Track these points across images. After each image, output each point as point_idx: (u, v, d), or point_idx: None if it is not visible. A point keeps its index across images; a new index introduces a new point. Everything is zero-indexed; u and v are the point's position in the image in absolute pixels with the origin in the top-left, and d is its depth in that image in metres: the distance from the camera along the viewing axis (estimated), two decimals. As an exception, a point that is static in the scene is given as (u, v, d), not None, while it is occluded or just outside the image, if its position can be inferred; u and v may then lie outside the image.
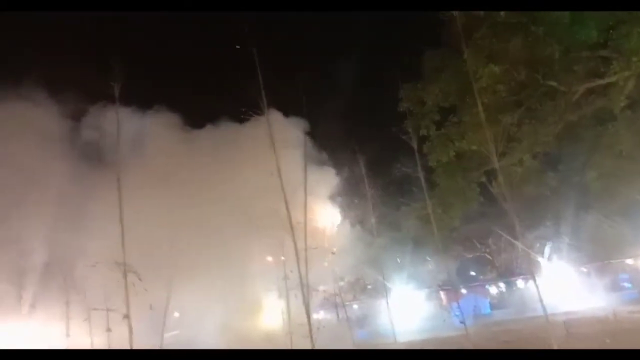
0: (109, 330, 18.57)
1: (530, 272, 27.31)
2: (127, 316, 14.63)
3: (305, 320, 17.00)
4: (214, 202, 21.93)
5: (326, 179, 24.97)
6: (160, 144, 22.04)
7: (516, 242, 26.97)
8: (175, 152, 22.57)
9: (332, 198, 25.54)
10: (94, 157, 20.53)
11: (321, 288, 23.40)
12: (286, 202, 16.09)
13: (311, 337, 16.63)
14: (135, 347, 14.48)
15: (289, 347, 20.09)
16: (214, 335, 20.63)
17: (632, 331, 16.19)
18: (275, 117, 20.31)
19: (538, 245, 30.60)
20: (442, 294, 32.96)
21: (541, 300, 16.98)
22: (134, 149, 20.10)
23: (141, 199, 17.67)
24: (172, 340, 20.62)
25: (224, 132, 23.94)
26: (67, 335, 18.91)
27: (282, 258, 20.49)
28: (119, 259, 14.97)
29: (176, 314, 22.62)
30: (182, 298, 20.49)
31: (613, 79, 16.06)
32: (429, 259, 28.11)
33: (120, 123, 16.42)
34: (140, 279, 15.36)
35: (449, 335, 23.16)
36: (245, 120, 18.20)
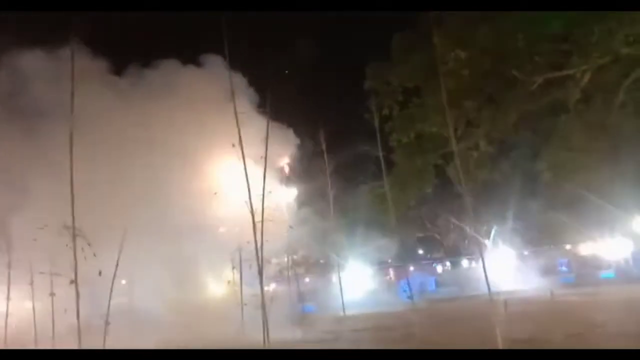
0: (52, 294, 17.98)
1: (475, 253, 28.55)
2: (74, 281, 14.13)
3: (258, 291, 17.05)
4: (165, 165, 21.00)
5: (285, 148, 24.56)
6: (102, 93, 20.20)
7: (464, 225, 28.00)
8: (116, 104, 20.80)
9: (289, 170, 25.40)
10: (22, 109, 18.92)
11: (274, 261, 23.46)
12: (246, 173, 15.83)
13: (263, 308, 16.72)
14: (81, 312, 14.11)
15: (239, 318, 20.19)
16: (160, 305, 20.32)
17: (565, 311, 17.28)
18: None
19: (485, 228, 31.83)
20: (391, 271, 33.88)
21: (487, 279, 17.80)
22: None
23: (90, 156, 16.71)
24: (117, 309, 20.02)
25: (171, 78, 22.14)
26: (8, 298, 18.13)
27: (237, 229, 20.38)
28: (67, 222, 14.39)
29: (123, 282, 21.99)
30: (131, 265, 19.87)
31: (571, 71, 16.67)
32: (381, 236, 28.66)
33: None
34: (89, 244, 14.85)
35: (396, 310, 23.97)
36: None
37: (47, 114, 17.79)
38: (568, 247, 31.31)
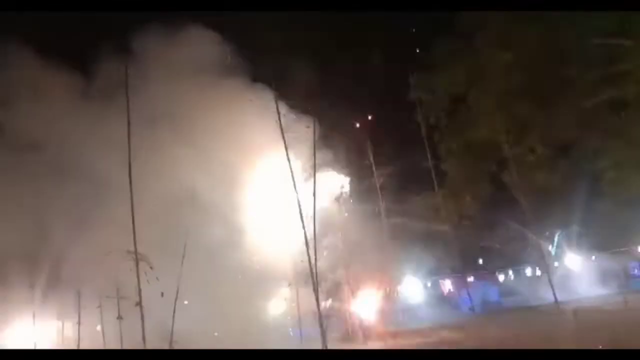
0: (120, 317, 18.72)
1: (539, 260, 27.27)
2: (139, 304, 14.71)
3: (314, 308, 17.15)
4: (213, 180, 21.35)
5: (333, 166, 24.53)
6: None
7: (526, 231, 26.89)
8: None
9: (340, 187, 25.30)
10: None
11: (330, 276, 23.42)
12: (297, 192, 16.06)
13: (321, 325, 16.74)
14: (147, 335, 14.62)
15: (298, 335, 20.24)
16: (220, 325, 20.61)
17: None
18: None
19: (547, 233, 30.41)
20: (450, 282, 32.95)
21: (552, 287, 17.09)
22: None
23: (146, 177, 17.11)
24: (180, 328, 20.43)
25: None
26: (79, 323, 19.02)
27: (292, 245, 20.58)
28: (129, 246, 15.01)
29: (185, 302, 22.54)
30: (191, 284, 20.31)
31: (628, 66, 15.77)
32: (437, 247, 28.03)
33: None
34: (151, 267, 15.42)
35: (457, 322, 23.25)
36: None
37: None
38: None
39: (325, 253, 21.80)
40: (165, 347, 16.98)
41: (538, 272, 31.12)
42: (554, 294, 16.18)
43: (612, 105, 17.47)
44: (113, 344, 19.52)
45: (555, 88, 17.02)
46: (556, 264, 29.84)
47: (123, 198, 15.37)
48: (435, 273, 31.92)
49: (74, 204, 18.98)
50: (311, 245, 16.91)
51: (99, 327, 21.72)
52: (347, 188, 24.61)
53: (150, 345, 14.62)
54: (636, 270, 29.48)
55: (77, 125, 19.37)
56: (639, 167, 18.09)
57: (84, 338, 19.84)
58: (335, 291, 25.02)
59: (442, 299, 32.18)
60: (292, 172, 16.31)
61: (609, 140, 18.50)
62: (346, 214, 25.35)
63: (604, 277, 27.89)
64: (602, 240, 29.21)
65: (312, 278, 16.98)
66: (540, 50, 16.15)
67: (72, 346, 19.71)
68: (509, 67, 16.07)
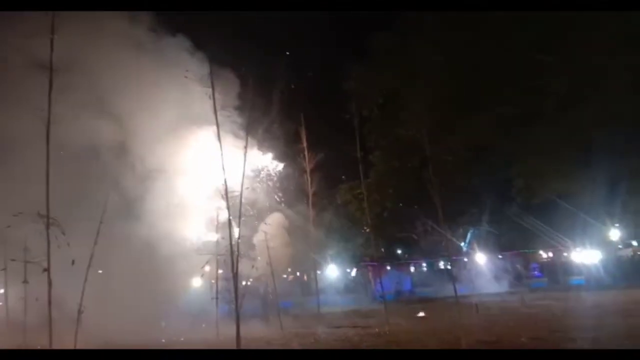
0: (25, 282, 17.91)
1: (451, 255, 28.97)
2: (46, 270, 14.13)
3: (231, 286, 17.25)
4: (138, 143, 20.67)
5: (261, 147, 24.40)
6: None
7: (440, 228, 28.38)
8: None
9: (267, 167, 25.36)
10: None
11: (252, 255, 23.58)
12: (223, 170, 15.96)
13: (237, 303, 16.90)
14: (53, 301, 14.10)
15: (213, 312, 20.33)
16: (133, 296, 20.20)
17: (534, 315, 17.61)
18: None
19: (461, 230, 32.34)
20: (367, 269, 34.22)
21: (454, 283, 18.61)
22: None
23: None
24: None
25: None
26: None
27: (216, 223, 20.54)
28: (41, 209, 14.33)
29: (100, 271, 21.78)
30: (106, 251, 19.61)
31: (545, 81, 16.97)
32: (359, 235, 28.97)
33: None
34: (63, 233, 14.81)
35: (369, 308, 24.39)
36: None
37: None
38: (541, 252, 32.02)
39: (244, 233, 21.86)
40: (74, 314, 16.45)
41: (449, 266, 33.06)
42: (454, 289, 17.66)
43: (526, 117, 18.72)
44: (16, 308, 18.72)
45: (479, 94, 18.01)
46: (466, 259, 31.90)
47: (36, 156, 14.62)
48: (354, 260, 33.01)
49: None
50: (234, 222, 16.95)
51: (1, 290, 20.70)
52: (274, 168, 24.79)
53: (55, 312, 14.16)
54: (536, 271, 32.24)
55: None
56: (545, 177, 19.61)
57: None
58: (254, 272, 25.31)
59: (357, 286, 33.39)
60: (220, 146, 16.18)
61: (521, 149, 19.89)
62: (274, 196, 25.62)
63: (508, 275, 30.24)
64: (509, 241, 31.62)
65: (232, 255, 17.06)
66: (470, 56, 17.01)
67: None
68: (439, 69, 16.82)
